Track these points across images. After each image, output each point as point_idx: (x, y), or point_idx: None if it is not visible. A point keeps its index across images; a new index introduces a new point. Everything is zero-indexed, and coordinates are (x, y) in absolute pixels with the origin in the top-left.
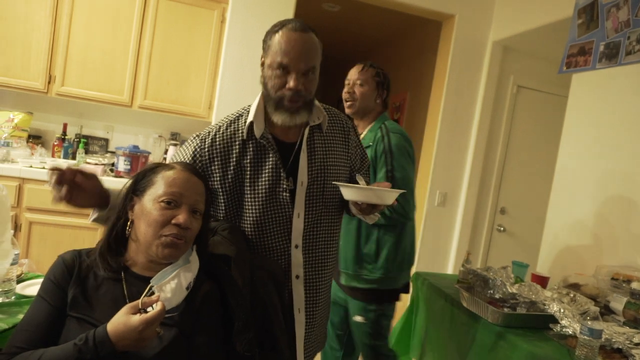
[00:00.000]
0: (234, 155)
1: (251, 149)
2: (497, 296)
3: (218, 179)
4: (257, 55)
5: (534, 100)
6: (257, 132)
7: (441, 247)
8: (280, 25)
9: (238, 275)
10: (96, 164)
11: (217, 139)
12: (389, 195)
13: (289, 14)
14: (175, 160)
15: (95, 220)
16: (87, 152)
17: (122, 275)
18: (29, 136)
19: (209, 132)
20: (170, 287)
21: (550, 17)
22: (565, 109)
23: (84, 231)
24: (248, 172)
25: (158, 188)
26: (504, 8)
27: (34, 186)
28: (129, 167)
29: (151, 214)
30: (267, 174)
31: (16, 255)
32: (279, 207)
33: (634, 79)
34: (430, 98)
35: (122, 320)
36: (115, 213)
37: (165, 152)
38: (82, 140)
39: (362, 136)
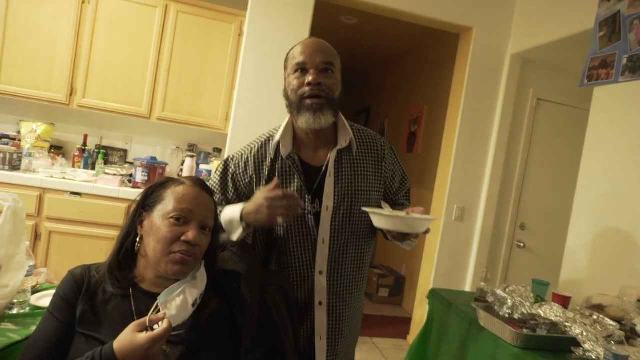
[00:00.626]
0: (264, 175)
1: (278, 168)
2: (515, 316)
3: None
4: (273, 67)
5: (555, 114)
6: (284, 151)
7: (458, 263)
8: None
9: (247, 292)
10: (115, 175)
11: (250, 161)
12: (420, 224)
13: (306, 26)
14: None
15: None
16: (106, 162)
17: (130, 291)
18: (51, 147)
19: (242, 155)
20: (175, 304)
21: (570, 29)
22: (587, 122)
23: (101, 241)
24: None
25: (167, 204)
26: (523, 20)
27: (54, 196)
28: (146, 178)
29: (160, 230)
30: None
31: (31, 266)
32: (303, 230)
33: None
34: (447, 111)
35: (129, 338)
36: (125, 229)
37: (182, 163)
38: (102, 151)
39: None
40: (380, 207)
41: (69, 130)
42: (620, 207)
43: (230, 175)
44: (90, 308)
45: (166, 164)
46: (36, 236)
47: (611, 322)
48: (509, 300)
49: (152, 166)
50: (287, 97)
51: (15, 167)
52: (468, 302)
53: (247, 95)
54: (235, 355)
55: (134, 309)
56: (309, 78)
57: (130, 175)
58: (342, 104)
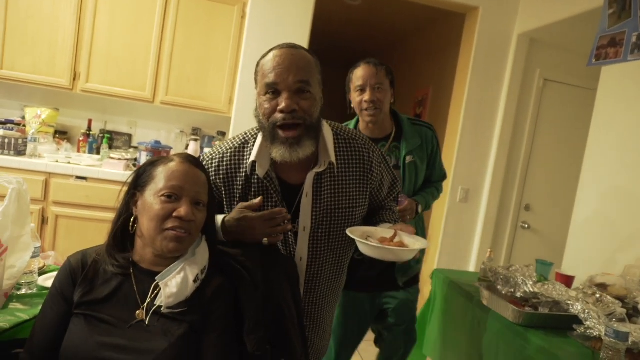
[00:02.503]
0: (239, 188)
1: (255, 184)
2: (518, 295)
3: (225, 206)
4: None
5: (562, 94)
6: (261, 171)
7: (463, 244)
8: (268, 50)
9: (250, 272)
10: (119, 159)
11: (222, 169)
12: (407, 254)
13: (309, 7)
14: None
15: None
16: (110, 147)
17: (131, 271)
18: (56, 132)
19: (212, 159)
20: (175, 281)
21: (579, 7)
22: (594, 102)
23: (108, 224)
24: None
25: (158, 182)
26: None
27: (60, 180)
28: None
29: (152, 208)
30: None
31: (37, 248)
32: (282, 247)
33: None
34: (453, 93)
35: None
36: (118, 210)
37: (186, 147)
38: (106, 135)
39: (387, 142)
40: (365, 221)
41: (74, 115)
42: (625, 187)
43: None
44: (90, 291)
45: (170, 148)
46: (43, 220)
47: (613, 300)
48: (512, 279)
49: (157, 150)
50: (258, 120)
51: (20, 152)
52: (471, 281)
53: (250, 78)
54: (238, 335)
55: (135, 288)
56: (282, 104)
57: (135, 159)
58: (326, 110)
